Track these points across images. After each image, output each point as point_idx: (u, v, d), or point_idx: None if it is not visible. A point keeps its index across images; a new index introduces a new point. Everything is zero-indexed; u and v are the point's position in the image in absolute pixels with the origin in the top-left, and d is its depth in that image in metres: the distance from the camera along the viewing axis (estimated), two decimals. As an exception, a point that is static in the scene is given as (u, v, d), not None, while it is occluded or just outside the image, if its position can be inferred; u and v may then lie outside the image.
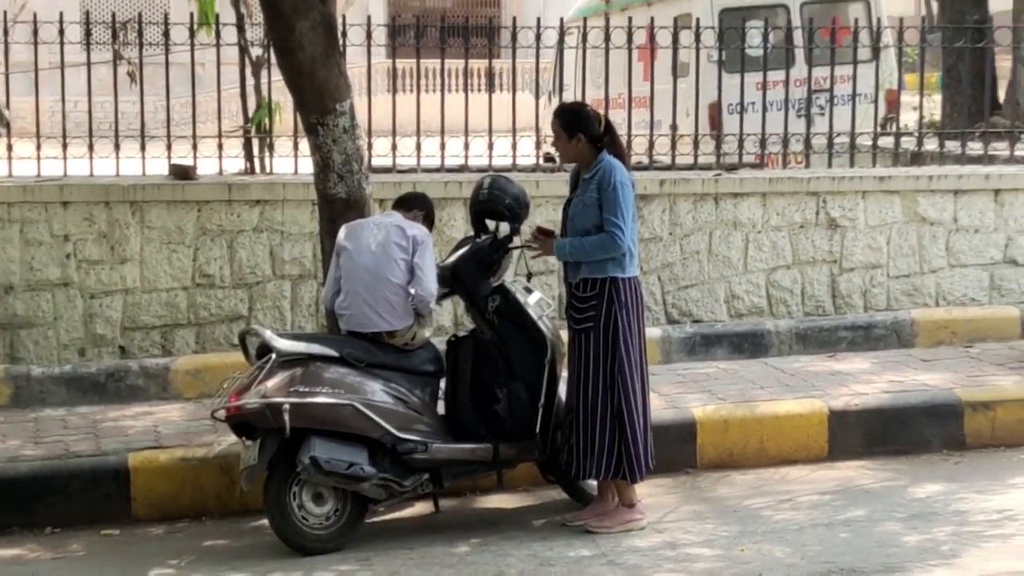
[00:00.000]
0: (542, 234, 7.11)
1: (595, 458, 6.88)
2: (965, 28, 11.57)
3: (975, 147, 11.37)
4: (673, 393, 8.53)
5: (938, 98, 16.08)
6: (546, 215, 9.49)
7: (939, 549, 6.49)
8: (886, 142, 11.37)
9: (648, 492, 7.31)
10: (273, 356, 6.75)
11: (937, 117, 15.25)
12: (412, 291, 6.92)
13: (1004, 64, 17.03)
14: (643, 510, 7.01)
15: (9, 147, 9.61)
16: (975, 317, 10.03)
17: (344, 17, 9.24)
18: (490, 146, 10.17)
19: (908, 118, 13.25)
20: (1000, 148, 11.21)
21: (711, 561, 6.45)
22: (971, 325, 9.95)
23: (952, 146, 11.46)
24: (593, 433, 6.87)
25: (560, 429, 7.12)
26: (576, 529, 6.95)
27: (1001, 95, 16.30)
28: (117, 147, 9.69)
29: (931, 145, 11.37)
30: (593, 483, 7.16)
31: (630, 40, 10.23)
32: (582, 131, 6.93)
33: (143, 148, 9.75)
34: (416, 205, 7.33)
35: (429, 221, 7.32)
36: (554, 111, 7.13)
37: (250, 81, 10.69)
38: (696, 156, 10.49)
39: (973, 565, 6.26)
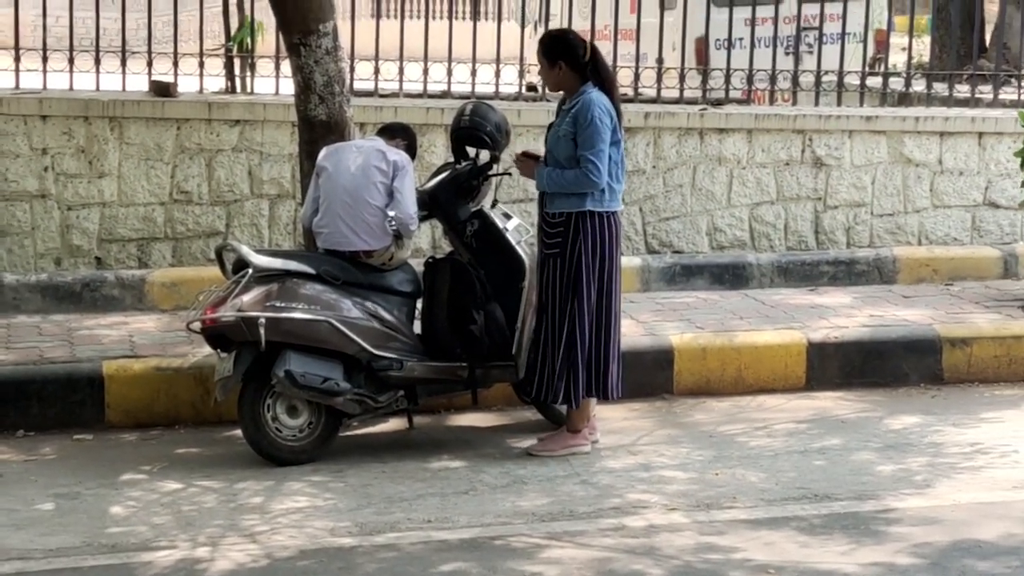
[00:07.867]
0: (528, 158, 7.06)
1: (547, 381, 6.87)
2: (956, -31, 11.50)
3: (963, 89, 11.30)
4: (651, 321, 8.48)
5: (927, 40, 16.00)
6: (527, 144, 9.37)
7: (913, 479, 6.52)
8: (874, 82, 11.30)
9: (623, 416, 7.32)
10: (250, 271, 6.75)
11: (926, 59, 15.18)
12: (391, 214, 6.88)
13: (992, 7, 16.95)
14: (588, 437, 6.96)
15: (-11, 59, 9.52)
16: (956, 256, 9.99)
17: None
18: (473, 73, 10.07)
19: (897, 59, 13.19)
20: (986, 91, 11.16)
21: (685, 483, 6.46)
22: (952, 264, 9.92)
23: (940, 88, 11.40)
24: (547, 357, 6.86)
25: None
26: (551, 449, 6.94)
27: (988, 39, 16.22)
28: (98, 62, 9.57)
29: (919, 86, 11.29)
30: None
31: (618, -30, 10.14)
32: (563, 59, 6.85)
33: (124, 64, 9.63)
34: (399, 134, 7.30)
35: (411, 151, 7.26)
36: (539, 38, 7.06)
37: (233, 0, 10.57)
38: (682, 90, 10.39)
39: (946, 495, 6.31)
